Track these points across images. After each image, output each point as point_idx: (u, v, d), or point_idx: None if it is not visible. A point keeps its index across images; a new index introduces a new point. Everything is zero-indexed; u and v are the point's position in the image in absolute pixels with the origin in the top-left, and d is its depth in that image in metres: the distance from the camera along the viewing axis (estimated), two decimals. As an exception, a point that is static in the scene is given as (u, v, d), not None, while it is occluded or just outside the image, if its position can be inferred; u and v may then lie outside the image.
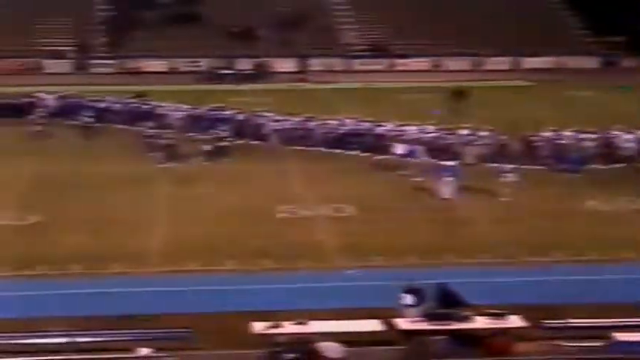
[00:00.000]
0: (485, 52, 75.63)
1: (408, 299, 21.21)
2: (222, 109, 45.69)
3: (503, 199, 33.23)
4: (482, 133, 40.17)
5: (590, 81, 65.57)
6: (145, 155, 39.82)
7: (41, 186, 35.40)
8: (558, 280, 24.30)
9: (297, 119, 43.57)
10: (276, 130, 43.08)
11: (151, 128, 43.28)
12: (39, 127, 44.22)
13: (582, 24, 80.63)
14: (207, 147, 39.77)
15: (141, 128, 44.35)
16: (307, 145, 41.90)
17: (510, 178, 33.64)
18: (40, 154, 40.41)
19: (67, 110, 48.53)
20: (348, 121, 42.83)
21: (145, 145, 40.86)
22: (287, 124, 43.29)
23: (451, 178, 33.46)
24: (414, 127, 40.94)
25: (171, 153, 39.26)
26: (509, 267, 26.05)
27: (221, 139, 40.55)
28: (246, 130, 43.68)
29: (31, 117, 46.06)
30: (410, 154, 36.50)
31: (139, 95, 51.95)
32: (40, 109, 47.09)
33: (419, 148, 36.96)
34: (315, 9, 79.44)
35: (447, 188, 33.38)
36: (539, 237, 28.86)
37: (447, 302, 21.31)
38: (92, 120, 45.03)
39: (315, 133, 42.44)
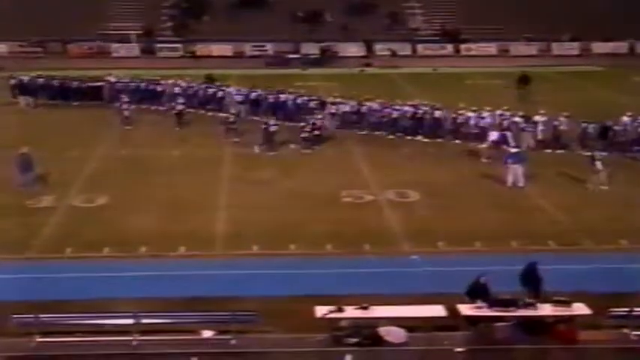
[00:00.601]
0: (553, 36, 74.86)
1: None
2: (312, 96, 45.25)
3: (589, 186, 32.79)
4: (539, 118, 39.59)
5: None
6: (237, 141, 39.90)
7: (110, 168, 35.91)
8: (625, 268, 23.93)
9: (373, 104, 43.15)
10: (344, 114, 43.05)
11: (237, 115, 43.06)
12: (127, 113, 44.31)
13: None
14: (304, 134, 39.31)
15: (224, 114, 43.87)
16: (383, 130, 41.83)
17: (599, 165, 33.04)
18: (121, 138, 41.04)
19: (156, 96, 48.88)
20: (421, 106, 42.39)
21: (231, 132, 40.79)
22: (356, 109, 43.09)
23: (517, 165, 33.09)
24: (487, 113, 40.41)
25: (270, 140, 38.84)
26: (575, 254, 25.77)
27: (317, 126, 39.84)
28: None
29: (117, 103, 46.01)
30: (501, 140, 35.94)
31: (209, 77, 52.39)
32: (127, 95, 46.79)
33: (509, 135, 36.42)
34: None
35: (512, 175, 33.01)
36: (608, 224, 28.47)
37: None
38: (183, 107, 44.66)
39: (390, 119, 42.03)
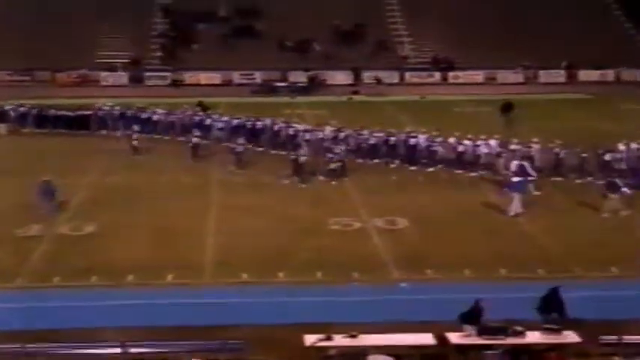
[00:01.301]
0: (540, 64, 75.23)
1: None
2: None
3: (605, 214, 32.66)
4: (513, 146, 39.56)
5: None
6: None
7: (97, 196, 35.82)
8: (615, 296, 23.93)
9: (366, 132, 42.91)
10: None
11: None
12: (135, 142, 43.89)
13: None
14: (333, 166, 38.84)
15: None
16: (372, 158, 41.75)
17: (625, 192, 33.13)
18: (109, 166, 41.02)
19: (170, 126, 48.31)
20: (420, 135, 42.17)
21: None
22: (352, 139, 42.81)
23: (517, 194, 33.08)
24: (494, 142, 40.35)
25: (300, 172, 38.38)
26: (565, 281, 25.71)
27: (340, 158, 39.27)
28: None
29: (127, 131, 45.70)
30: (521, 170, 35.92)
31: (200, 104, 52.51)
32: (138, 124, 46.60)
33: (528, 164, 36.39)
34: (370, 22, 79.64)
35: (513, 203, 32.91)
36: (597, 251, 28.48)
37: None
38: (199, 139, 43.58)
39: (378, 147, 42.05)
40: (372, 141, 42.18)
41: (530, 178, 34.71)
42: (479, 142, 40.17)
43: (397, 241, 29.81)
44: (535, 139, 39.70)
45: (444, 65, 76.53)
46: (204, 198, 35.20)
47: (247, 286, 25.66)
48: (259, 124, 45.82)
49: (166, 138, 47.01)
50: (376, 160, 41.44)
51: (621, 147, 39.15)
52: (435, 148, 40.95)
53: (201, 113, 49.62)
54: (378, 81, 73.04)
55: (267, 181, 38.00)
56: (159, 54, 77.37)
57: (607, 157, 38.18)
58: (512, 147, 39.20)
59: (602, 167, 37.89)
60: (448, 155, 40.49)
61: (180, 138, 46.56)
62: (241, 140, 41.73)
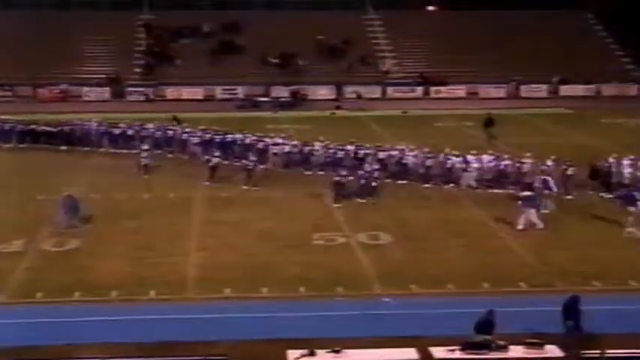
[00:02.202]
0: (522, 79, 75.73)
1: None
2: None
3: (630, 229, 32.38)
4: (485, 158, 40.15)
5: (630, 109, 65.35)
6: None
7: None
8: (597, 310, 24.00)
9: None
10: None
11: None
12: (145, 161, 42.77)
13: (622, 51, 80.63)
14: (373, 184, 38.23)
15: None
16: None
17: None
18: (91, 182, 40.89)
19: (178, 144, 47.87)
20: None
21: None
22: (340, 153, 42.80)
23: (532, 209, 33.10)
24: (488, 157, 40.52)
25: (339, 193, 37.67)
26: (547, 296, 25.80)
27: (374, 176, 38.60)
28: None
29: (136, 150, 44.93)
30: (545, 185, 35.98)
31: (175, 119, 52.60)
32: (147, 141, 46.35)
33: (551, 180, 36.46)
34: (353, 38, 80.00)
35: (524, 218, 32.90)
36: (579, 265, 28.56)
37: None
38: (219, 159, 42.20)
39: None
40: (340, 154, 42.57)
41: (548, 193, 34.87)
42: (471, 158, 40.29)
43: (381, 256, 29.80)
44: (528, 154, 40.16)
45: (434, 81, 76.84)
46: (187, 214, 35.13)
47: (230, 301, 25.61)
48: (229, 137, 46.21)
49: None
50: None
51: (611, 160, 39.37)
52: (405, 161, 41.14)
53: (176, 127, 50.01)
54: (358, 96, 73.31)
55: (252, 196, 38.00)
56: (141, 69, 77.35)
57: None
58: (526, 161, 39.41)
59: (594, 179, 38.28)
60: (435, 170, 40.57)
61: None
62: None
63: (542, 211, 34.12)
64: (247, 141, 45.47)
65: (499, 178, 39.37)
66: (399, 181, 40.61)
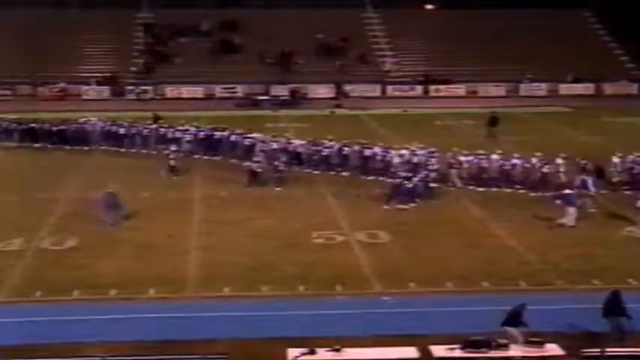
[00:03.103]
0: (521, 78, 75.77)
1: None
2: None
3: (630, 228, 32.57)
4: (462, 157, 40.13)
5: (630, 107, 65.43)
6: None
7: (79, 210, 35.70)
8: (596, 309, 23.98)
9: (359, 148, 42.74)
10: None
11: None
12: (173, 162, 42.38)
13: (621, 50, 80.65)
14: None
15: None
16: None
17: None
18: (90, 180, 40.92)
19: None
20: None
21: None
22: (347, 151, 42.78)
23: (572, 207, 33.09)
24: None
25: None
26: (547, 294, 25.80)
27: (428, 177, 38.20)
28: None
29: (166, 151, 44.16)
30: (582, 185, 35.94)
31: (156, 117, 52.61)
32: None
33: (590, 180, 36.43)
34: (352, 37, 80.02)
35: (568, 216, 32.97)
36: (579, 264, 28.57)
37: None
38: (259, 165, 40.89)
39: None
40: (325, 152, 42.72)
41: (587, 193, 34.92)
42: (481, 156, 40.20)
43: (380, 254, 29.79)
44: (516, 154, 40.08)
45: (418, 79, 76.92)
46: (186, 212, 35.10)
47: (230, 300, 25.60)
48: (217, 134, 46.57)
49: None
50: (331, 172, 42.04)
51: (615, 159, 39.35)
52: (388, 159, 41.15)
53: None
54: (345, 94, 73.25)
55: (252, 195, 37.99)
56: (138, 68, 77.31)
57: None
58: (534, 160, 39.35)
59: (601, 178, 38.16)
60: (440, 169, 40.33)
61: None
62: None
63: (589, 211, 34.28)
64: (233, 138, 45.92)
65: (506, 177, 39.18)
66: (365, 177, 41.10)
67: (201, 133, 47.26)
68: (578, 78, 76.47)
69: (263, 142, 44.51)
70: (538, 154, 39.83)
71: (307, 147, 43.54)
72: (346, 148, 42.53)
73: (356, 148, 42.40)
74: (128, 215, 34.27)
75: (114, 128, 49.78)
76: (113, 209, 33.21)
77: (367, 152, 41.70)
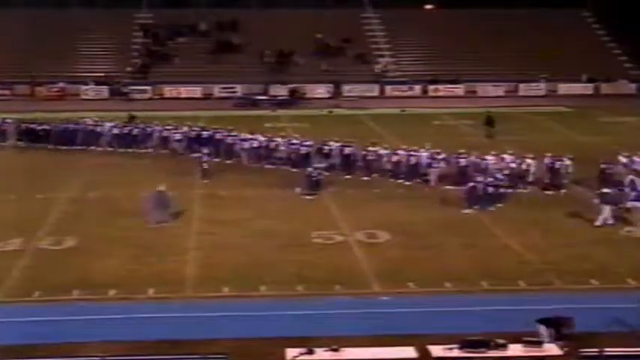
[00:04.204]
0: (520, 78, 75.76)
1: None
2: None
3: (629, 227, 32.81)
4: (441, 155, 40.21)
5: (627, 107, 65.48)
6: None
7: (78, 210, 35.70)
8: (595, 308, 24.02)
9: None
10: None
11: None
12: (205, 165, 41.50)
13: (620, 49, 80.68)
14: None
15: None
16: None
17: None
18: (89, 180, 40.88)
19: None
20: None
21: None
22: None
23: (609, 205, 33.19)
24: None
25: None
26: (545, 294, 25.82)
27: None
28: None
29: (196, 154, 43.62)
30: (632, 185, 35.90)
31: (131, 117, 52.60)
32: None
33: (637, 179, 36.47)
34: (351, 37, 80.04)
35: (603, 214, 33.12)
36: (577, 264, 28.58)
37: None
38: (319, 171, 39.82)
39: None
40: (304, 150, 42.99)
41: (603, 190, 34.55)
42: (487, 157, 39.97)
43: (379, 254, 29.80)
44: (530, 155, 40.10)
45: (415, 79, 76.96)
46: (185, 212, 35.09)
47: (229, 299, 25.61)
48: (205, 133, 46.90)
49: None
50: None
51: (622, 159, 39.34)
52: (370, 158, 41.41)
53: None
54: (332, 96, 73.26)
55: (250, 194, 38.01)
56: (133, 68, 77.27)
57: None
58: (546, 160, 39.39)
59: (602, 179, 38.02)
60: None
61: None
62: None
63: None
64: (218, 136, 46.28)
65: (517, 177, 39.01)
66: (347, 175, 41.40)
67: (193, 132, 47.51)
68: (592, 78, 76.41)
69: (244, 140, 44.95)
70: (548, 154, 39.84)
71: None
72: (348, 149, 42.40)
73: (383, 151, 42.01)
74: (127, 214, 34.34)
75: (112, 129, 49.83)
76: (162, 207, 33.35)
77: (371, 155, 41.50)
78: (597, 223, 33.02)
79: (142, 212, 33.79)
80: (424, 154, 40.71)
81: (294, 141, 44.33)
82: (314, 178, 38.48)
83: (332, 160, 42.29)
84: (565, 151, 40.44)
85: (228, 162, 44.34)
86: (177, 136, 47.39)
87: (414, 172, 40.31)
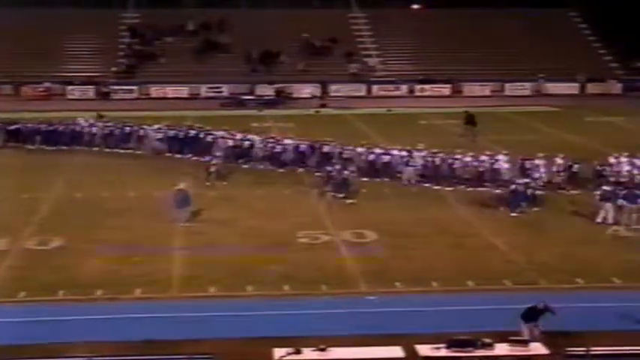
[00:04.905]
0: (506, 77, 75.91)
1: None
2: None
3: (615, 227, 32.87)
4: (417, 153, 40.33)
5: (613, 107, 65.71)
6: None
7: (64, 210, 35.62)
8: (581, 307, 24.09)
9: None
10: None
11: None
12: (213, 168, 40.60)
13: (606, 49, 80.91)
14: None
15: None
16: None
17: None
18: (75, 181, 40.79)
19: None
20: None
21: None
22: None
23: (608, 204, 33.36)
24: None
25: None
26: (531, 293, 25.85)
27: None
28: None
29: (208, 156, 42.73)
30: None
31: (100, 116, 52.42)
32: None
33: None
34: (338, 36, 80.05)
35: (607, 213, 33.26)
36: (563, 263, 28.67)
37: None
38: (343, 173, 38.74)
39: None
40: (278, 149, 43.46)
41: (605, 188, 34.64)
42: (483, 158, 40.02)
43: (365, 254, 29.82)
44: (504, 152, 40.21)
45: (401, 79, 77.03)
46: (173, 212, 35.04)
47: (215, 299, 25.59)
48: (192, 132, 47.10)
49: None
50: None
51: (612, 160, 39.47)
52: (346, 156, 41.44)
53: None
54: (323, 92, 73.28)
55: (237, 194, 37.98)
56: (119, 68, 77.11)
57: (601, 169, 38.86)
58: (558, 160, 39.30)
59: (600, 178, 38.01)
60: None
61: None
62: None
63: None
64: (202, 135, 46.43)
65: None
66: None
67: (172, 131, 47.61)
68: (591, 78, 76.58)
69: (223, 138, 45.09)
70: (541, 154, 39.88)
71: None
72: (348, 150, 42.29)
73: (360, 149, 42.07)
74: (113, 214, 34.32)
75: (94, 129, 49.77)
76: (184, 206, 33.36)
77: (371, 156, 41.42)
78: (598, 219, 33.27)
79: (165, 210, 33.76)
80: (416, 154, 40.72)
81: (272, 140, 44.49)
82: (341, 178, 37.83)
83: (313, 159, 42.50)
84: (553, 151, 40.56)
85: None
86: (158, 135, 47.43)
87: (389, 170, 40.65)
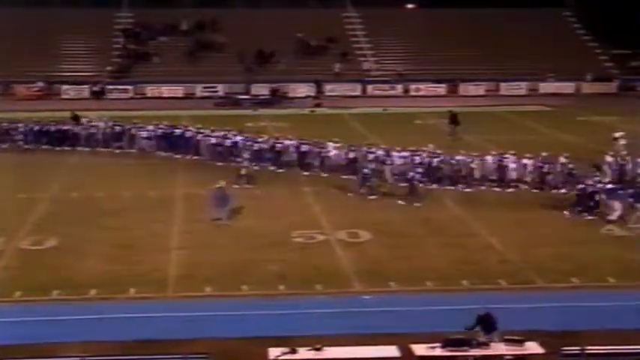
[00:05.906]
0: (501, 77, 75.94)
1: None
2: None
3: (609, 227, 32.93)
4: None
5: (607, 106, 65.78)
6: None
7: (59, 210, 35.57)
8: (576, 306, 24.10)
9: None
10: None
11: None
12: (243, 171, 40.37)
13: (601, 48, 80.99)
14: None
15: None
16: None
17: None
18: (72, 181, 40.73)
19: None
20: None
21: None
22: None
23: (617, 202, 33.48)
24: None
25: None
26: (527, 293, 25.90)
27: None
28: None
29: (238, 159, 42.59)
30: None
31: (74, 117, 52.27)
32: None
33: None
34: (333, 36, 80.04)
35: (617, 211, 33.37)
36: (558, 263, 28.68)
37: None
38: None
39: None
40: (264, 146, 43.60)
41: (609, 186, 34.80)
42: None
43: (360, 253, 29.83)
44: (512, 151, 40.11)
45: (398, 78, 77.05)
46: (167, 212, 35.02)
47: (210, 299, 25.57)
48: (177, 131, 47.18)
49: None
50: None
51: (609, 159, 39.47)
52: (325, 154, 41.95)
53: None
54: (318, 91, 73.27)
55: (232, 194, 37.92)
56: (120, 67, 77.06)
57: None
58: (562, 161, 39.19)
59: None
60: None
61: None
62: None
63: None
64: (188, 134, 46.60)
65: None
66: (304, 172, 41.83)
67: (160, 130, 47.69)
68: (598, 78, 76.63)
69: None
70: (544, 153, 39.85)
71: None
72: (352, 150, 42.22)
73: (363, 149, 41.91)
74: (109, 214, 34.27)
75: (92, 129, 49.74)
76: (223, 204, 33.38)
77: (370, 156, 41.09)
78: (612, 217, 33.28)
79: (205, 209, 33.90)
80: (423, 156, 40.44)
81: (259, 139, 44.53)
82: (367, 177, 38.08)
83: (287, 157, 42.92)
84: (548, 150, 40.59)
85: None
86: (145, 134, 47.57)
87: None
